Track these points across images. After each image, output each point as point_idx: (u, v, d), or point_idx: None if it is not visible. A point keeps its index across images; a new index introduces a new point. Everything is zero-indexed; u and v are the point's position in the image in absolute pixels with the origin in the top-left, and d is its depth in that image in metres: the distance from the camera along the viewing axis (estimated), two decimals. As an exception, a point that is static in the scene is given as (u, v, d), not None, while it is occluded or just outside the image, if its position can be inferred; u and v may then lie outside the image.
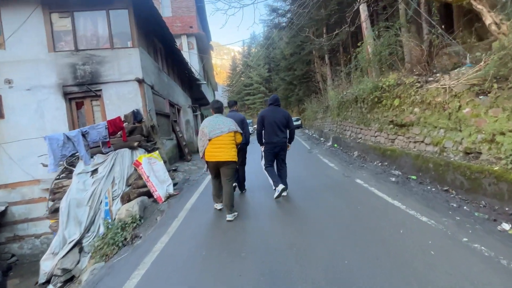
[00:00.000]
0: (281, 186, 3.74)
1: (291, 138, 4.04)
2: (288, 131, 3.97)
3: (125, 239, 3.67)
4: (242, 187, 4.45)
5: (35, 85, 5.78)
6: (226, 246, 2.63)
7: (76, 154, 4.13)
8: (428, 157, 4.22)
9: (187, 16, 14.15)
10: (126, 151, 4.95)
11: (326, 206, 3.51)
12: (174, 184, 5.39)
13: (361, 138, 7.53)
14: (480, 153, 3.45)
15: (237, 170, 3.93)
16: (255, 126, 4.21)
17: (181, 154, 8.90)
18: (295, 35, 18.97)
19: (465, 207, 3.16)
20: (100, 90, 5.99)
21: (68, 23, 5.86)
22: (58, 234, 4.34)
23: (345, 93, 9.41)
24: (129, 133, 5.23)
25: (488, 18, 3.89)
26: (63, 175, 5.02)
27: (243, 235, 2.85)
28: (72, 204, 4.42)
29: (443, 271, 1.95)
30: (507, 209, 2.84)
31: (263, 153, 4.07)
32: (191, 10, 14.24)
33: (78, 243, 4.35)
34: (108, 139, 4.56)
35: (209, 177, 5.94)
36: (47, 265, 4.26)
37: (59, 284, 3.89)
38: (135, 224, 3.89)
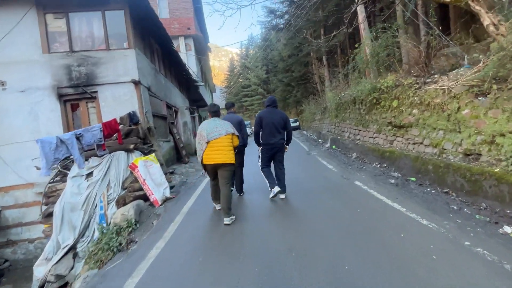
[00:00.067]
0: (277, 188, 3.78)
1: (289, 140, 4.02)
2: (285, 133, 3.95)
3: (120, 244, 3.58)
4: (240, 190, 4.38)
5: (29, 87, 5.68)
6: (223, 251, 2.56)
7: (71, 157, 4.04)
8: (428, 158, 4.19)
9: (185, 18, 14.11)
10: (122, 154, 4.86)
11: (326, 208, 3.46)
12: (171, 187, 5.30)
13: (359, 139, 7.51)
14: (480, 154, 3.42)
15: (234, 172, 3.94)
16: (253, 127, 4.19)
17: (178, 156, 8.82)
18: (292, 36, 19.02)
19: (465, 210, 3.12)
20: (96, 92, 5.91)
21: (63, 24, 5.79)
22: (51, 239, 4.24)
23: (343, 94, 9.40)
24: (125, 135, 5.15)
25: (486, 19, 3.88)
26: (57, 178, 4.92)
27: (241, 239, 2.78)
28: (66, 208, 4.33)
29: (446, 276, 1.90)
30: (508, 211, 2.80)
31: (260, 154, 4.06)
32: (188, 11, 14.21)
33: (72, 248, 4.25)
34: (103, 142, 4.48)
35: (206, 179, 5.87)
36: (40, 271, 4.16)
37: (52, 291, 3.80)
38: (130, 229, 3.81)
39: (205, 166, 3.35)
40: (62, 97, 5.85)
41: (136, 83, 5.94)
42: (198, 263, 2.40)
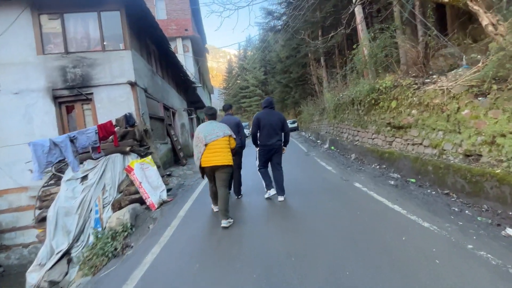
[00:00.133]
0: (273, 191, 3.89)
1: (286, 141, 4.01)
2: (283, 134, 3.93)
3: (115, 249, 3.50)
4: (238, 192, 4.32)
5: (23, 89, 5.59)
6: (221, 257, 2.49)
7: (64, 160, 3.95)
8: (427, 159, 4.15)
9: (182, 19, 14.07)
10: (117, 157, 4.78)
11: (325, 211, 3.40)
12: (168, 190, 5.22)
13: (358, 140, 7.47)
14: (481, 155, 3.38)
15: (232, 174, 3.88)
16: (251, 129, 4.16)
17: (176, 158, 8.73)
18: (290, 38, 19.04)
19: (467, 211, 3.07)
20: (91, 93, 5.82)
21: (57, 25, 5.70)
22: (45, 244, 4.15)
23: (341, 95, 9.38)
24: (121, 137, 5.07)
25: (485, 19, 3.85)
26: (52, 182, 4.83)
27: (239, 244, 2.71)
28: (60, 212, 4.24)
29: (450, 282, 1.84)
30: (510, 213, 2.76)
31: (257, 155, 4.06)
32: (186, 12, 14.17)
33: (67, 254, 4.16)
34: (98, 144, 4.39)
35: (204, 181, 5.80)
36: (33, 277, 4.06)
37: (45, 298, 3.70)
38: (126, 233, 3.73)
39: (203, 169, 3.33)
40: (57, 99, 5.76)
41: (133, 85, 5.86)
42: (195, 269, 2.32)
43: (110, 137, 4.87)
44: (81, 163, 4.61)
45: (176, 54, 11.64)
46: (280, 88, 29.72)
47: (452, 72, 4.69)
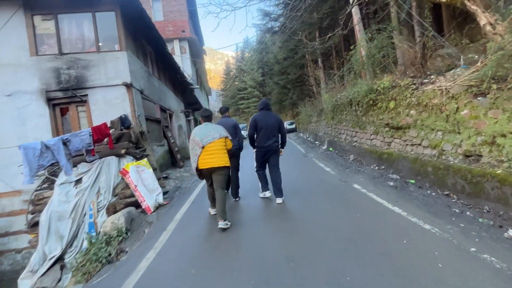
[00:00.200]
0: (268, 193, 4.05)
1: (283, 143, 4.01)
2: (280, 136, 3.93)
3: (110, 254, 3.41)
4: (236, 195, 4.25)
5: (15, 91, 5.48)
6: (217, 263, 2.41)
7: (57, 163, 3.85)
8: (427, 160, 4.11)
9: (179, 20, 14.01)
10: (112, 159, 4.69)
11: (324, 214, 3.33)
12: (165, 193, 5.14)
13: (356, 141, 7.43)
14: (481, 155, 3.35)
15: (229, 176, 3.90)
16: (248, 130, 4.12)
17: (173, 160, 8.63)
18: (288, 39, 19.05)
19: (468, 213, 3.03)
20: (86, 95, 5.73)
21: (51, 26, 5.61)
22: (37, 250, 4.04)
23: (339, 96, 9.36)
24: (116, 140, 4.97)
25: (483, 19, 3.84)
26: (45, 185, 4.72)
27: (236, 248, 2.63)
28: (53, 217, 4.13)
29: (453, 286, 1.79)
30: (512, 214, 2.72)
31: (255, 156, 4.05)
32: (183, 14, 14.11)
33: (60, 259, 4.05)
34: (92, 147, 4.30)
35: (201, 184, 5.72)
36: (25, 284, 3.94)
37: (37, 306, 3.59)
38: (120, 238, 3.64)
39: (200, 171, 3.32)
40: (50, 101, 5.66)
41: (128, 86, 5.78)
42: (191, 276, 2.25)
43: (105, 140, 4.77)
44: (75, 166, 4.52)
45: (173, 56, 11.58)
46: (278, 90, 29.73)
47: (450, 72, 4.67)
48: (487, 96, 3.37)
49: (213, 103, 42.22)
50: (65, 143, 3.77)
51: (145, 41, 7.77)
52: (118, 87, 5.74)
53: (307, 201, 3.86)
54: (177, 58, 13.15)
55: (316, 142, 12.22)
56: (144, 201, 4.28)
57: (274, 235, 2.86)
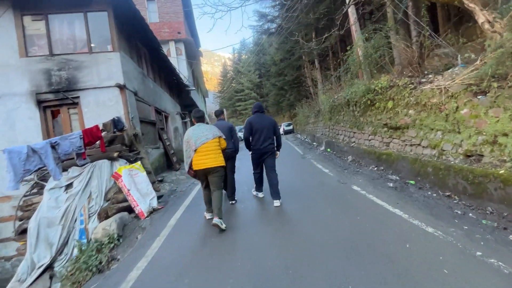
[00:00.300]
0: (261, 194, 4.22)
1: (279, 145, 4.00)
2: (275, 138, 3.93)
3: (100, 262, 3.24)
4: (232, 197, 4.15)
5: (4, 93, 5.30)
6: (212, 271, 2.29)
7: (45, 168, 3.70)
8: (427, 160, 4.03)
9: (175, 22, 13.91)
10: (104, 163, 4.54)
11: (324, 217, 3.23)
12: (159, 197, 4.99)
13: (354, 142, 7.36)
14: (482, 155, 3.27)
15: (226, 176, 3.87)
16: (243, 133, 4.08)
17: (169, 163, 8.48)
18: (284, 41, 19.07)
19: (470, 214, 2.94)
20: (78, 97, 5.57)
21: (42, 27, 5.46)
22: (25, 258, 3.86)
23: (336, 96, 9.30)
24: (109, 142, 4.83)
25: (481, 17, 3.79)
26: (34, 190, 4.55)
27: (232, 255, 2.51)
28: (42, 223, 3.96)
29: (462, 295, 1.69)
30: (517, 216, 2.64)
31: (251, 158, 4.07)
32: (178, 15, 14.02)
33: (49, 268, 3.88)
34: (83, 150, 4.15)
35: (197, 187, 5.58)
36: (13, 294, 3.76)
37: (24, 318, 3.42)
38: (112, 245, 3.48)
39: (195, 172, 3.29)
40: (41, 103, 5.49)
41: (121, 88, 5.64)
42: (184, 286, 2.12)
43: (97, 143, 4.62)
44: (66, 170, 4.36)
45: (169, 58, 11.46)
46: (275, 91, 29.75)
47: (448, 71, 4.62)
48: (488, 94, 3.31)
49: (210, 105, 42.06)
50: (53, 146, 3.62)
51: (140, 42, 7.65)
52: (111, 88, 5.60)
53: (305, 204, 3.75)
54: (173, 59, 13.03)
55: (314, 143, 12.15)
56: (138, 205, 4.14)
57: (272, 241, 2.74)
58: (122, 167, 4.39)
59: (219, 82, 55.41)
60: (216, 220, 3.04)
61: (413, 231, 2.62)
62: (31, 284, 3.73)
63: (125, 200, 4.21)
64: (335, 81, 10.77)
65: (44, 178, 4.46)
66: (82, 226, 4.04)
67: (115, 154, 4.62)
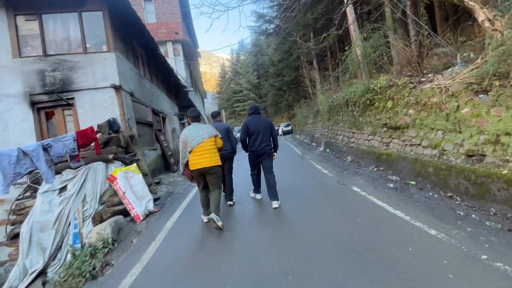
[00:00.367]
0: (259, 196, 4.15)
1: (276, 146, 3.96)
2: (271, 139, 3.89)
3: (94, 268, 3.15)
4: (230, 199, 4.11)
5: (-3, 95, 5.20)
6: (209, 278, 2.20)
7: (36, 171, 3.60)
8: (427, 160, 3.97)
9: (172, 22, 13.83)
10: (99, 165, 4.44)
11: (324, 219, 3.15)
12: (156, 199, 4.90)
13: (353, 142, 7.30)
14: (484, 155, 3.21)
15: (223, 176, 3.86)
16: (240, 135, 4.05)
17: (166, 165, 8.38)
18: (282, 41, 19.04)
19: (473, 216, 2.88)
20: (73, 98, 5.47)
21: (35, 27, 5.36)
22: (17, 264, 3.75)
23: (335, 97, 9.25)
24: (104, 144, 4.73)
25: (481, 15, 3.75)
26: (27, 194, 4.44)
27: (229, 260, 2.43)
28: (35, 228, 3.86)
29: (469, 301, 1.61)
30: (521, 217, 2.57)
31: (248, 159, 4.04)
32: (176, 16, 13.94)
33: (42, 274, 3.77)
34: (77, 152, 4.05)
35: (195, 189, 5.49)
36: (4, 301, 3.66)
37: (15, 326, 3.31)
38: (106, 250, 3.38)
39: (191, 173, 3.30)
40: (35, 105, 5.39)
41: (117, 88, 5.54)
42: (178, 294, 2.03)
43: (92, 144, 4.53)
44: (59, 173, 4.26)
45: (167, 58, 11.37)
46: (273, 92, 29.71)
47: (448, 70, 4.57)
48: (489, 93, 3.25)
49: (209, 106, 41.96)
50: (45, 148, 3.52)
51: (136, 43, 7.56)
52: (106, 89, 5.51)
53: (305, 206, 3.68)
54: (171, 60, 12.95)
55: (313, 144, 12.09)
56: (133, 209, 4.04)
57: (271, 245, 2.66)
58: (117, 169, 4.30)
59: (217, 83, 55.36)
60: (212, 215, 3.04)
61: (415, 234, 2.55)
62: (23, 290, 3.62)
63: (121, 203, 4.12)
64: (334, 81, 10.74)
65: (37, 181, 4.35)
66: (76, 230, 3.93)
67: (111, 156, 4.52)
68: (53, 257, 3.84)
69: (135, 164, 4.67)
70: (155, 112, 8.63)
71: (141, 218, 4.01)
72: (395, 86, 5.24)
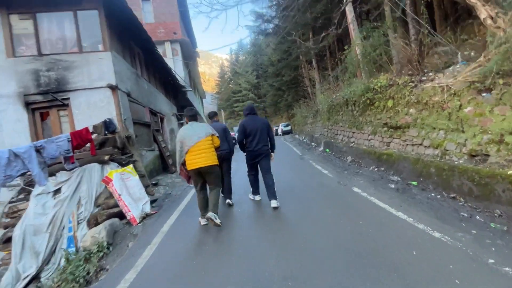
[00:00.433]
0: (258, 197, 4.05)
1: (273, 146, 3.91)
2: (268, 139, 3.86)
3: (88, 273, 3.07)
4: (228, 197, 4.06)
5: (-10, 95, 5.10)
6: (205, 284, 2.12)
7: (29, 173, 3.51)
8: (429, 161, 3.90)
9: (171, 22, 13.74)
10: (95, 167, 4.35)
11: (324, 221, 3.07)
12: (153, 201, 4.81)
13: (353, 142, 7.23)
14: (488, 155, 3.14)
15: (223, 179, 3.83)
16: (237, 136, 4.00)
17: (164, 165, 8.28)
18: (281, 41, 18.97)
19: (477, 217, 2.81)
20: (68, 98, 5.38)
21: (29, 26, 5.26)
22: (10, 269, 3.65)
23: (334, 96, 9.18)
24: (99, 145, 4.64)
25: (483, 12, 3.68)
26: (21, 196, 4.34)
27: (227, 266, 2.34)
28: (28, 231, 3.76)
29: (477, 309, 1.53)
30: (527, 219, 2.50)
31: (245, 159, 4.00)
32: (174, 16, 13.85)
33: (36, 279, 3.67)
34: (71, 154, 3.96)
35: (192, 191, 5.40)
36: (-4, 307, 3.55)
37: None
38: (101, 254, 3.30)
39: (189, 172, 3.28)
40: (29, 105, 5.29)
41: (113, 88, 5.45)
42: (174, 301, 1.95)
43: (87, 145, 4.44)
44: (53, 175, 4.17)
45: (165, 58, 11.27)
46: (272, 92, 29.66)
47: (450, 69, 4.50)
48: (493, 92, 3.18)
49: (208, 107, 41.87)
50: (38, 150, 3.43)
51: (133, 42, 7.46)
52: (102, 89, 5.41)
53: (305, 207, 3.60)
54: (169, 60, 12.84)
55: (312, 144, 12.02)
56: (129, 211, 3.95)
57: (270, 248, 2.58)
58: (113, 171, 4.20)
59: (216, 83, 55.28)
60: (210, 214, 3.03)
61: (419, 236, 2.47)
62: (16, 295, 3.53)
63: (116, 206, 4.03)
64: (333, 81, 10.67)
65: (31, 183, 4.25)
66: (70, 233, 3.84)
67: (106, 157, 4.43)
68: (46, 261, 3.75)
69: (131, 166, 4.58)
70: (153, 112, 8.54)
71: (138, 220, 3.92)
72: (395, 85, 5.17)
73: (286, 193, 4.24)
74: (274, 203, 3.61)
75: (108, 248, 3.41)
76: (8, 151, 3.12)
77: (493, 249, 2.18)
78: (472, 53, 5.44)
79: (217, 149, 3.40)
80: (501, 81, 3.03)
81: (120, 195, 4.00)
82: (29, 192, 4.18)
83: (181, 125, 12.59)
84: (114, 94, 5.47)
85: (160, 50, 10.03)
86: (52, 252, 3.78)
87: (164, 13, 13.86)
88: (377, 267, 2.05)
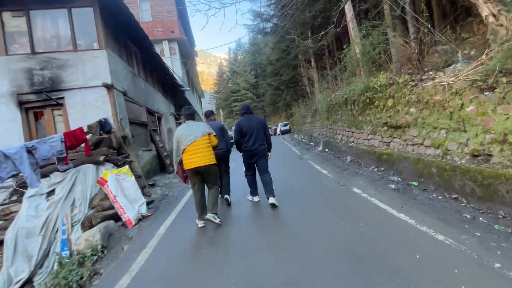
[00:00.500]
0: (256, 198, 4.01)
1: (269, 145, 3.86)
2: (265, 138, 3.80)
3: (82, 277, 2.97)
4: (227, 193, 4.01)
5: (-18, 94, 4.98)
6: (201, 290, 2.04)
7: (20, 174, 3.41)
8: (430, 161, 3.84)
9: (168, 21, 13.61)
10: (89, 167, 4.25)
11: (324, 223, 3.00)
12: (150, 202, 4.72)
13: (353, 141, 7.17)
14: (491, 155, 3.08)
15: (221, 179, 3.81)
16: (233, 136, 3.94)
17: (161, 166, 8.18)
18: (280, 40, 18.89)
19: (481, 219, 2.75)
20: (63, 97, 5.27)
21: (23, 23, 5.14)
22: (1, 273, 3.55)
23: (333, 95, 9.11)
24: (94, 146, 4.54)
25: (485, 10, 3.62)
26: (14, 198, 4.24)
27: (225, 270, 2.26)
28: (21, 234, 3.66)
29: (486, 317, 1.46)
30: (532, 220, 2.44)
31: (242, 159, 3.96)
32: (172, 14, 13.72)
33: (28, 283, 3.58)
34: (65, 155, 3.86)
35: (190, 191, 5.31)
36: (-12, 312, 3.46)
37: None
38: (95, 257, 3.20)
39: (184, 173, 3.27)
40: (23, 105, 5.17)
41: (109, 87, 5.34)
42: (168, 309, 1.87)
43: (82, 146, 4.33)
44: (47, 176, 4.07)
45: (163, 57, 11.16)
46: (271, 91, 29.58)
47: (450, 67, 4.45)
48: (495, 90, 3.12)
49: (206, 106, 41.71)
50: (30, 151, 3.33)
51: (130, 41, 7.35)
52: (97, 88, 5.31)
53: (304, 209, 3.53)
54: (167, 59, 12.73)
55: (311, 143, 11.95)
56: (125, 213, 3.86)
57: (269, 252, 2.50)
58: (108, 172, 4.11)
59: (215, 82, 55.12)
60: (209, 215, 3.03)
61: (421, 239, 2.41)
62: (8, 300, 3.43)
63: (112, 207, 3.93)
64: (332, 80, 10.60)
65: (23, 185, 4.15)
66: (64, 236, 3.74)
67: (101, 158, 4.33)
68: (39, 265, 3.65)
69: (127, 166, 4.48)
70: (150, 112, 8.43)
71: (133, 222, 3.83)
72: (395, 84, 5.10)
73: (284, 193, 4.17)
74: (271, 200, 3.55)
75: (102, 251, 3.31)
76: (-3, 152, 3.03)
77: (499, 252, 2.12)
78: (472, 52, 5.39)
79: (214, 148, 3.35)
80: (504, 80, 2.97)
81: (115, 196, 3.91)
82: (22, 194, 4.08)
83: (179, 124, 12.47)
84: (109, 93, 5.36)
85: (157, 49, 9.92)
86: (45, 256, 3.69)
87: (161, 12, 13.73)
88: (379, 271, 1.98)
